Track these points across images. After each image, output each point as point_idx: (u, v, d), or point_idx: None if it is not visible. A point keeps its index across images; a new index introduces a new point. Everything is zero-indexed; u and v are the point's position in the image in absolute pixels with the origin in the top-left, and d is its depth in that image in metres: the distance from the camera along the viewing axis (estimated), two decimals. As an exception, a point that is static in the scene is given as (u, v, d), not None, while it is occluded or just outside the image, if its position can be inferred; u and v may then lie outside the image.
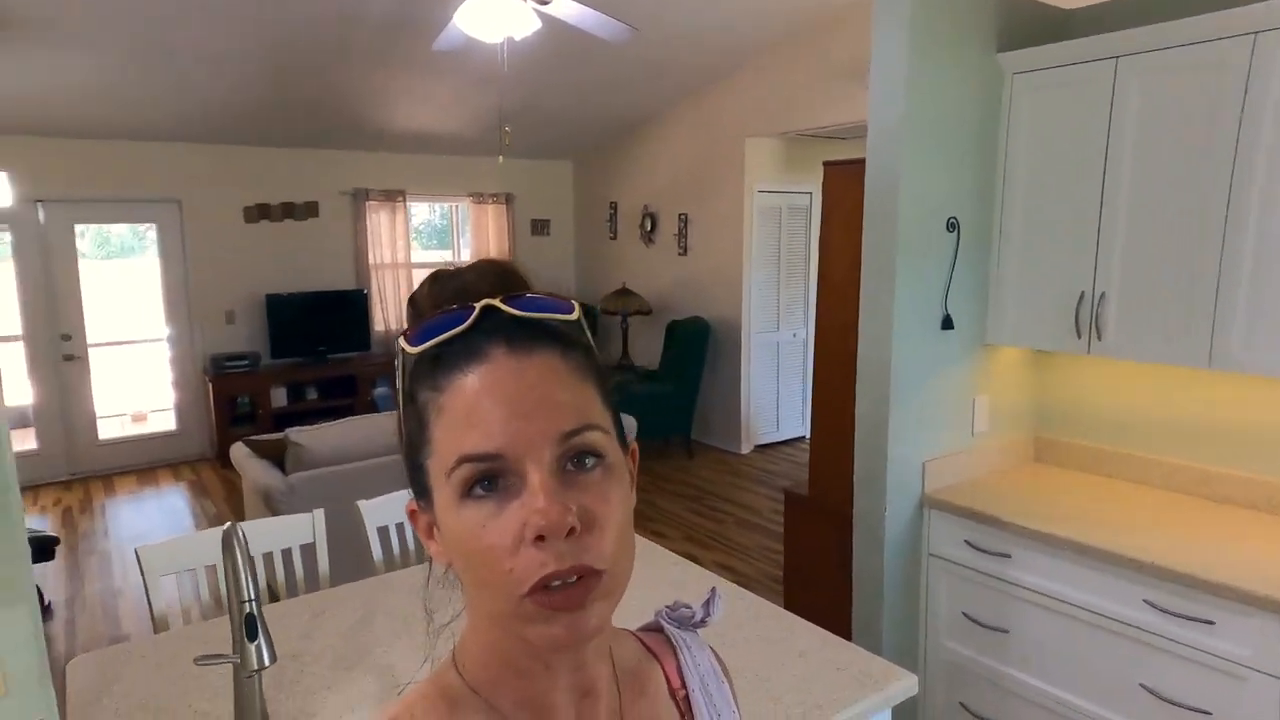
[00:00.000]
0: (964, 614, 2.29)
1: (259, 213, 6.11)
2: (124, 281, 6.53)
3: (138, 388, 6.55)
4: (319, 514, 2.00)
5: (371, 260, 6.66)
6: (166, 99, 4.99)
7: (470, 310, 0.50)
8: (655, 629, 0.69)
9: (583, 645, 0.50)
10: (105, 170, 5.54)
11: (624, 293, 6.70)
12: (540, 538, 0.46)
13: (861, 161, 2.34)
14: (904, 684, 1.32)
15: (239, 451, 3.85)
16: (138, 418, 6.47)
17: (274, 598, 1.95)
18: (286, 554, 1.98)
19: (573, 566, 0.47)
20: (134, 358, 6.26)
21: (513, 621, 0.48)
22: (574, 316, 0.54)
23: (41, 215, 5.43)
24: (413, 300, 0.55)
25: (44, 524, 4.75)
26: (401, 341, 0.52)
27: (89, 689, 1.42)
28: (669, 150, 6.58)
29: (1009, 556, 2.16)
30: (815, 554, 2.98)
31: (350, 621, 1.65)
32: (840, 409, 2.67)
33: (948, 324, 2.37)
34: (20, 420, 5.73)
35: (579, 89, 5.72)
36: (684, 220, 6.47)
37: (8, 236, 5.37)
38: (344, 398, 6.26)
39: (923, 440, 2.38)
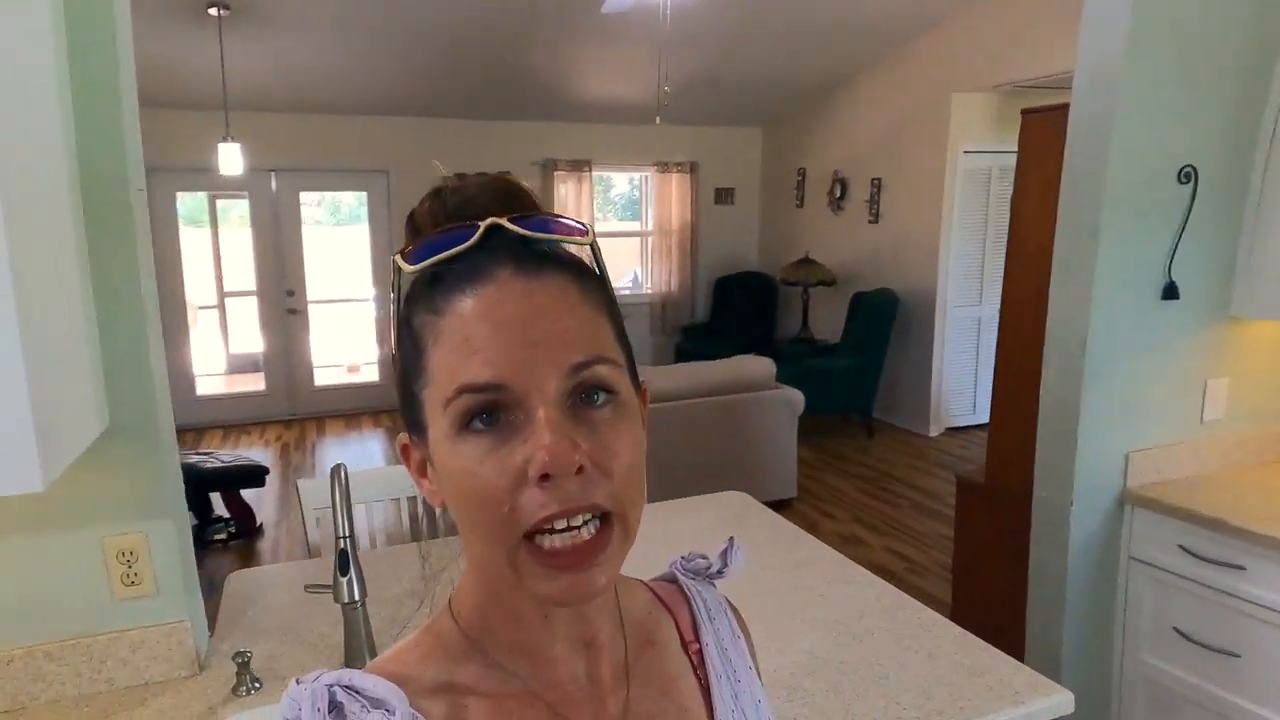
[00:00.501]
0: (1175, 629, 1.95)
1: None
2: (344, 245, 7.27)
3: (349, 342, 7.31)
4: None
5: (587, 232, 6.89)
6: (378, 77, 5.43)
7: (474, 228, 0.47)
8: (669, 580, 0.66)
9: (587, 603, 0.47)
10: (326, 143, 6.14)
11: (806, 262, 6.45)
12: (545, 476, 0.42)
13: (1067, 107, 2.02)
14: (1053, 701, 1.12)
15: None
16: (352, 369, 7.20)
17: (415, 537, 2.06)
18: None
19: (579, 506, 0.43)
20: (347, 315, 6.98)
21: (509, 570, 0.45)
22: (587, 240, 0.50)
23: (274, 184, 6.14)
24: (411, 217, 0.51)
25: (264, 456, 5.43)
26: (398, 259, 0.48)
27: (239, 602, 1.56)
28: (865, 111, 6.19)
29: (1242, 569, 1.80)
30: (989, 545, 2.69)
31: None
32: (1026, 390, 2.36)
33: (1171, 293, 2.00)
34: (253, 365, 6.64)
35: (766, 51, 5.52)
36: (877, 186, 6.09)
37: (246, 203, 6.15)
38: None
39: (1127, 427, 2.04)
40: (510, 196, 0.50)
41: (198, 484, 3.62)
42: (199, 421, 6.15)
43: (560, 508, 0.43)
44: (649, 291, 7.56)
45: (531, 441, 0.43)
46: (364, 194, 6.47)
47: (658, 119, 5.10)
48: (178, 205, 5.98)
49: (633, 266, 7.72)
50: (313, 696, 0.45)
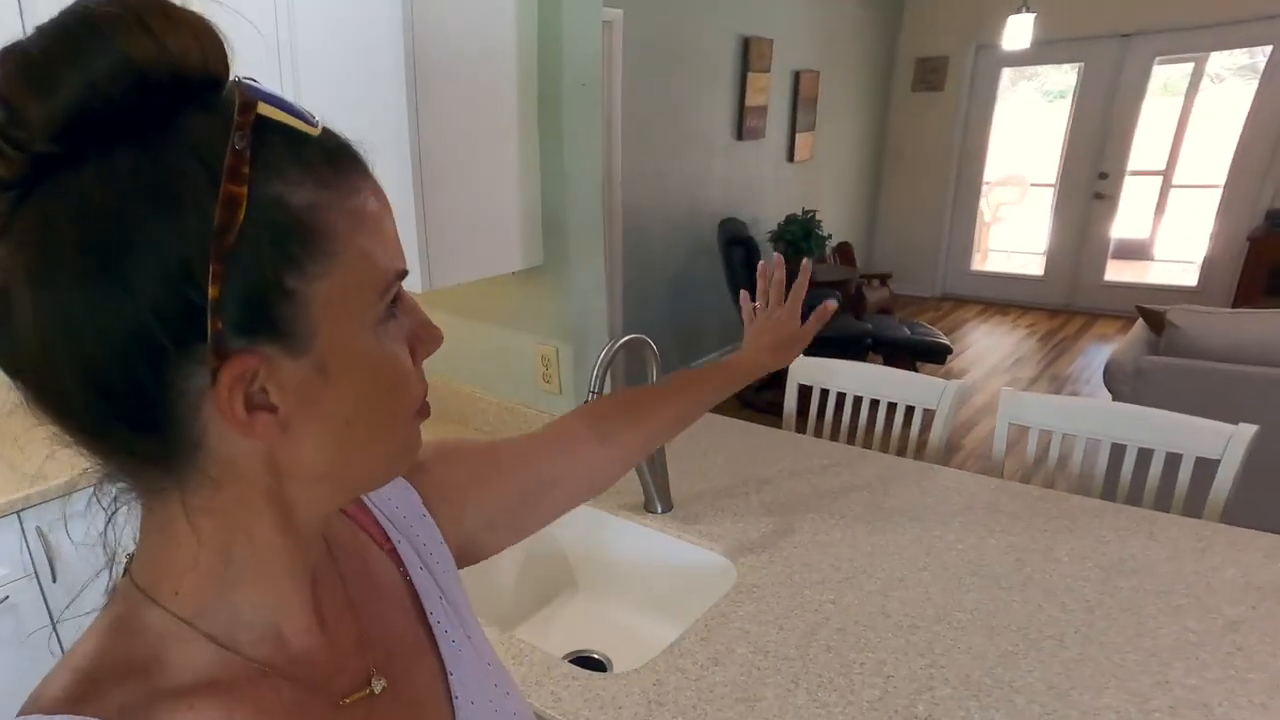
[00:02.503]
0: None
1: None
2: (1205, 119, 5.97)
3: (1166, 235, 6.14)
4: (1243, 429, 1.57)
5: None
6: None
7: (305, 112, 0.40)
8: None
9: None
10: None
11: None
12: (426, 354, 0.47)
13: None
14: None
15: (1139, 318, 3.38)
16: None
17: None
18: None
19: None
20: (1173, 202, 5.85)
21: (403, 450, 0.47)
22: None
23: (1122, 51, 5.38)
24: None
25: (998, 340, 5.31)
26: (274, 111, 0.37)
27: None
28: None
29: None
30: None
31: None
32: None
33: None
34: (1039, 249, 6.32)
35: None
36: None
37: (1073, 77, 5.63)
38: None
39: None
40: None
41: (874, 344, 3.93)
42: (964, 293, 6.36)
43: (426, 383, 0.48)
44: None
45: (412, 320, 0.45)
46: (1260, 50, 4.95)
47: None
48: (999, 82, 5.93)
49: None
50: None
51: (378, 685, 0.49)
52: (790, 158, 5.15)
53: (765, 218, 4.96)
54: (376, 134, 1.23)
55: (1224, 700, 0.95)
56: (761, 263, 1.02)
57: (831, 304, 1.00)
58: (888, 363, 3.84)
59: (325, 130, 0.40)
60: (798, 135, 5.13)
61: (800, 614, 1.14)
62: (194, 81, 0.36)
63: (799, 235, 4.54)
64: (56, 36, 0.34)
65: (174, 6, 0.35)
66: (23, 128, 0.33)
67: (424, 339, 0.46)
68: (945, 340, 4.03)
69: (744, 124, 4.61)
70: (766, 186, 5.03)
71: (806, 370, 2.01)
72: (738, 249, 3.89)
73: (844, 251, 5.30)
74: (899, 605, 1.15)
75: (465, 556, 0.65)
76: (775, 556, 1.28)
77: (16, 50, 0.34)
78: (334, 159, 0.39)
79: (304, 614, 0.46)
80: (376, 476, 0.48)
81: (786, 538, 1.34)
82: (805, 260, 1.04)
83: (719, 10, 4.29)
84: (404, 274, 0.43)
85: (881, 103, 6.22)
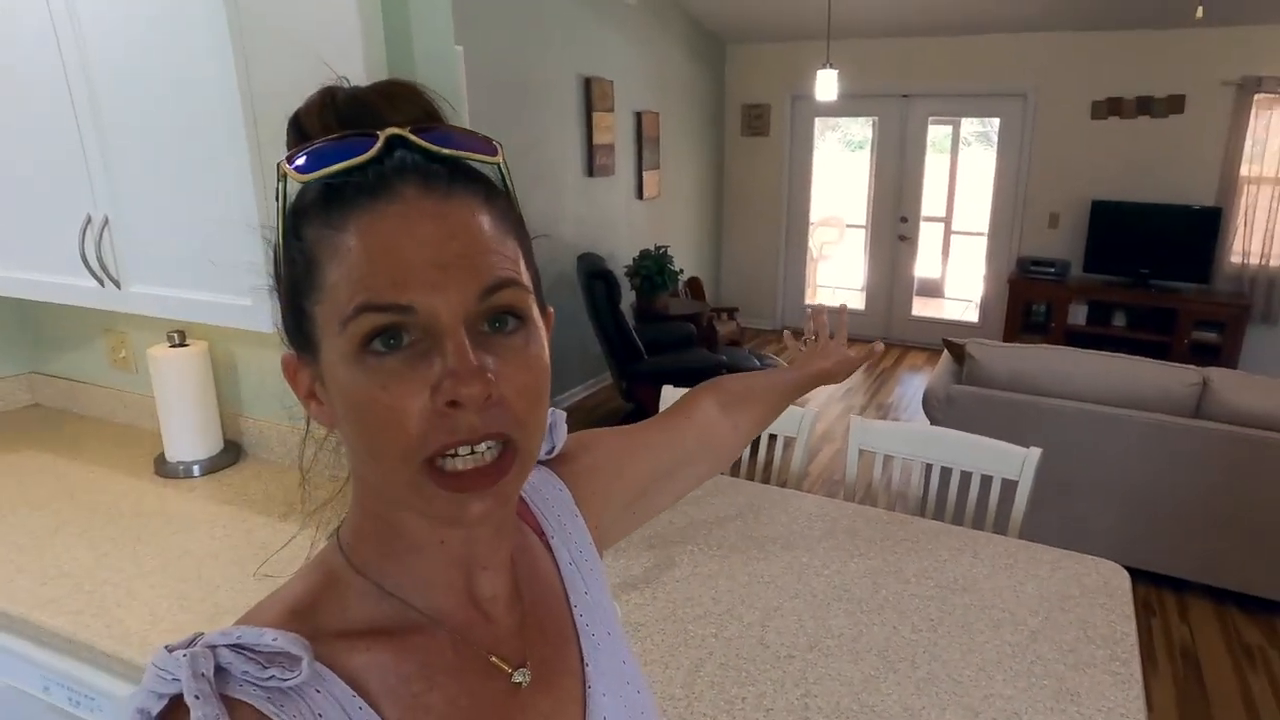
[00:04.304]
0: None
1: (1109, 108, 5.26)
2: (962, 174, 6.70)
3: (952, 275, 6.79)
4: (1033, 452, 1.72)
5: (1244, 171, 4.98)
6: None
7: (372, 138, 0.42)
8: None
9: (485, 525, 0.45)
10: (959, 65, 5.63)
11: None
12: (454, 403, 0.40)
13: None
14: None
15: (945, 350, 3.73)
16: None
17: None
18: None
19: (484, 434, 0.42)
20: (955, 247, 6.48)
21: (408, 494, 0.43)
22: (497, 159, 0.46)
23: (905, 110, 5.95)
24: (297, 120, 0.46)
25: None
26: (284, 165, 0.43)
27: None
28: None
29: None
30: None
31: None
32: None
33: None
34: (859, 285, 6.79)
35: None
36: None
37: (869, 129, 6.13)
38: (1157, 334, 5.11)
39: None
40: (408, 101, 0.45)
41: (729, 371, 4.09)
42: (801, 326, 6.67)
43: (467, 435, 0.41)
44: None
45: (440, 367, 0.40)
46: (996, 120, 5.75)
47: (1200, 10, 3.21)
48: (814, 130, 6.31)
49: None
50: (193, 661, 0.39)
51: (519, 676, 0.50)
52: (640, 195, 5.26)
53: (620, 253, 5.02)
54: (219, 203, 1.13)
55: (1028, 708, 1.05)
56: (810, 308, 1.10)
57: (880, 345, 1.13)
58: (735, 390, 4.00)
59: (351, 168, 0.42)
60: (645, 173, 5.25)
61: (685, 650, 1.14)
62: None
63: (653, 270, 4.64)
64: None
65: None
66: None
67: (441, 390, 0.40)
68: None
69: (594, 161, 4.66)
70: (619, 222, 5.10)
71: (675, 404, 2.04)
72: (598, 282, 3.91)
73: (694, 286, 5.47)
74: (775, 635, 1.18)
75: (602, 542, 0.65)
76: (658, 592, 1.29)
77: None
78: (328, 197, 0.42)
79: (462, 589, 0.49)
80: (403, 502, 0.45)
81: (668, 571, 1.35)
82: (842, 304, 1.13)
83: (558, 50, 4.32)
84: (369, 308, 0.40)
85: (717, 145, 6.47)
